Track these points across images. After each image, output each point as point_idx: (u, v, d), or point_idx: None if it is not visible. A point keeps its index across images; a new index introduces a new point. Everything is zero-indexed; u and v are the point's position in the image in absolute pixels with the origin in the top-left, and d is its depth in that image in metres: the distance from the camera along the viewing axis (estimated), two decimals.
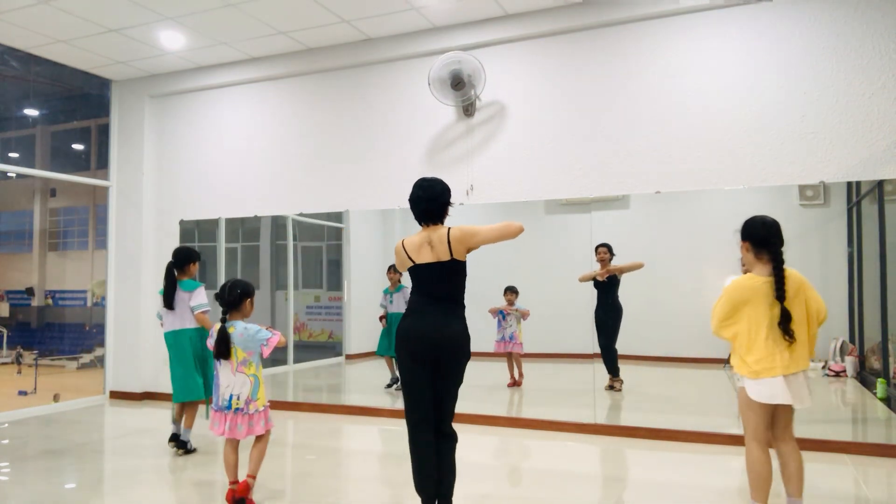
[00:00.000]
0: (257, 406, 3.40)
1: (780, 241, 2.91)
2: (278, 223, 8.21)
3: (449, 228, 3.11)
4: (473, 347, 3.17)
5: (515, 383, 6.69)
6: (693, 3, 4.87)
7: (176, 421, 4.63)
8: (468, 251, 3.12)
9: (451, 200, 3.24)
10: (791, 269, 2.93)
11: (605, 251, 6.15)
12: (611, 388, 6.27)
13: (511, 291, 6.74)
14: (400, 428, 5.41)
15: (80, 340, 12.39)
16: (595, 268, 6.19)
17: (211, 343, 3.48)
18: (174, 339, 4.63)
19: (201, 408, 4.83)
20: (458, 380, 3.12)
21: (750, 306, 2.89)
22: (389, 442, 5.06)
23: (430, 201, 3.15)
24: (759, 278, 2.92)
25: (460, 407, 3.17)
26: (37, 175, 8.45)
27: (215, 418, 3.44)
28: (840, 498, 3.54)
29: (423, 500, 3.02)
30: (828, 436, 4.51)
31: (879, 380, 5.53)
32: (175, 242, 6.81)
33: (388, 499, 3.62)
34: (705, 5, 4.85)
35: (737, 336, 2.94)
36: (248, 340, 3.39)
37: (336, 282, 8.57)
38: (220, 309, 3.48)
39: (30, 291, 13.60)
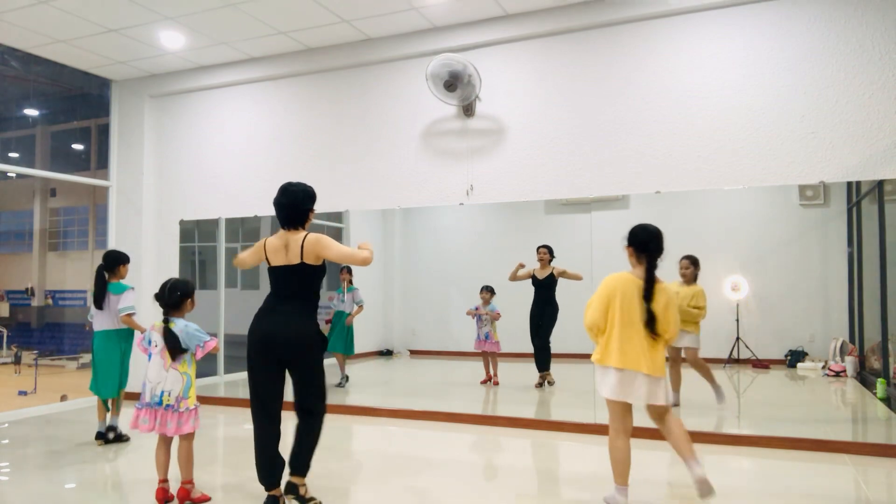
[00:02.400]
0: (188, 404, 3.44)
1: (657, 249, 3.17)
2: (278, 223, 8.21)
3: (306, 235, 3.29)
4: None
5: (488, 380, 6.84)
6: (693, 2, 4.88)
7: (101, 419, 4.90)
8: (319, 259, 3.30)
9: (314, 207, 3.42)
10: (667, 284, 3.19)
11: (545, 252, 6.57)
12: (541, 384, 6.47)
13: (486, 290, 6.88)
14: (399, 428, 5.44)
15: (80, 340, 12.38)
16: (536, 267, 6.58)
17: (143, 344, 3.56)
18: (104, 339, 4.85)
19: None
20: (313, 370, 3.31)
21: (617, 300, 3.13)
22: (388, 441, 5.06)
23: (291, 208, 3.36)
24: (631, 277, 3.17)
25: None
26: (37, 175, 8.46)
27: (142, 415, 3.46)
28: (840, 498, 3.54)
29: (265, 488, 3.27)
30: (828, 436, 4.50)
31: (879, 380, 5.54)
32: (175, 242, 6.82)
33: (386, 497, 3.62)
34: (706, 4, 4.84)
35: (600, 328, 3.19)
36: (188, 337, 3.45)
37: (336, 282, 8.56)
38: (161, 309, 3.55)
39: (30, 291, 13.60)
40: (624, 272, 3.22)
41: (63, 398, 6.63)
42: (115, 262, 4.90)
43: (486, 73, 5.48)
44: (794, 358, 6.53)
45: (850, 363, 6.30)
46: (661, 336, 3.10)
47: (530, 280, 6.62)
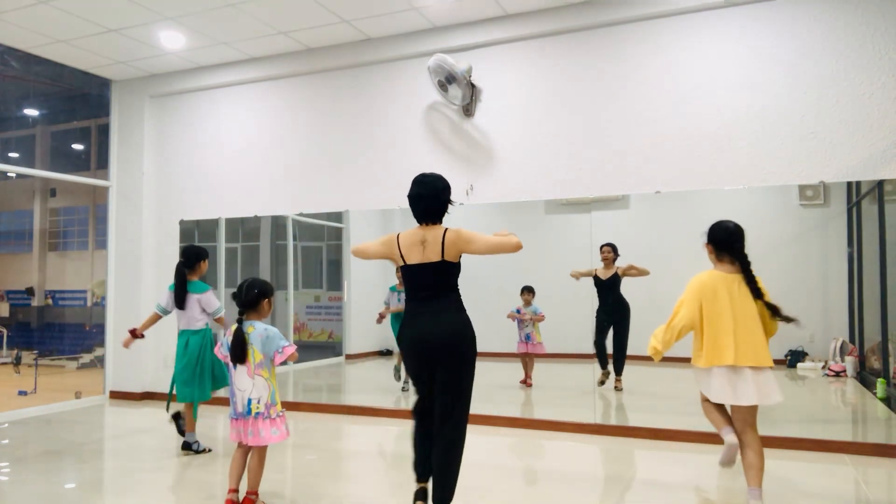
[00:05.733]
0: (278, 410, 3.26)
1: (741, 245, 3.13)
2: (278, 223, 8.21)
3: (446, 229, 3.02)
4: (480, 348, 3.15)
5: (526, 383, 6.69)
6: (693, 2, 4.88)
7: (189, 429, 4.56)
8: (460, 255, 3.05)
9: (452, 199, 3.15)
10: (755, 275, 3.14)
11: (608, 250, 6.26)
12: (618, 388, 6.30)
13: (527, 291, 6.70)
14: (399, 428, 5.43)
15: (80, 340, 12.39)
16: (598, 266, 6.25)
17: (221, 351, 3.34)
18: (182, 340, 4.58)
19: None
20: (462, 370, 3.02)
21: (715, 298, 3.08)
22: (389, 442, 5.06)
23: (431, 199, 3.04)
24: (721, 274, 3.12)
25: (475, 408, 3.18)
26: (37, 175, 8.47)
27: (233, 425, 3.29)
28: (840, 498, 3.54)
29: (416, 479, 3.13)
30: (828, 436, 4.51)
31: (879, 380, 5.53)
32: (175, 242, 6.82)
33: (387, 499, 3.62)
34: (705, 4, 4.84)
35: (696, 328, 3.12)
36: (267, 342, 3.25)
37: (336, 282, 8.58)
38: (237, 309, 3.32)
39: (30, 291, 13.61)
40: (710, 271, 3.16)
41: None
42: (196, 258, 4.59)
43: (485, 73, 5.48)
44: (794, 358, 6.53)
45: (850, 363, 6.29)
46: (756, 336, 3.05)
47: (592, 280, 6.25)
